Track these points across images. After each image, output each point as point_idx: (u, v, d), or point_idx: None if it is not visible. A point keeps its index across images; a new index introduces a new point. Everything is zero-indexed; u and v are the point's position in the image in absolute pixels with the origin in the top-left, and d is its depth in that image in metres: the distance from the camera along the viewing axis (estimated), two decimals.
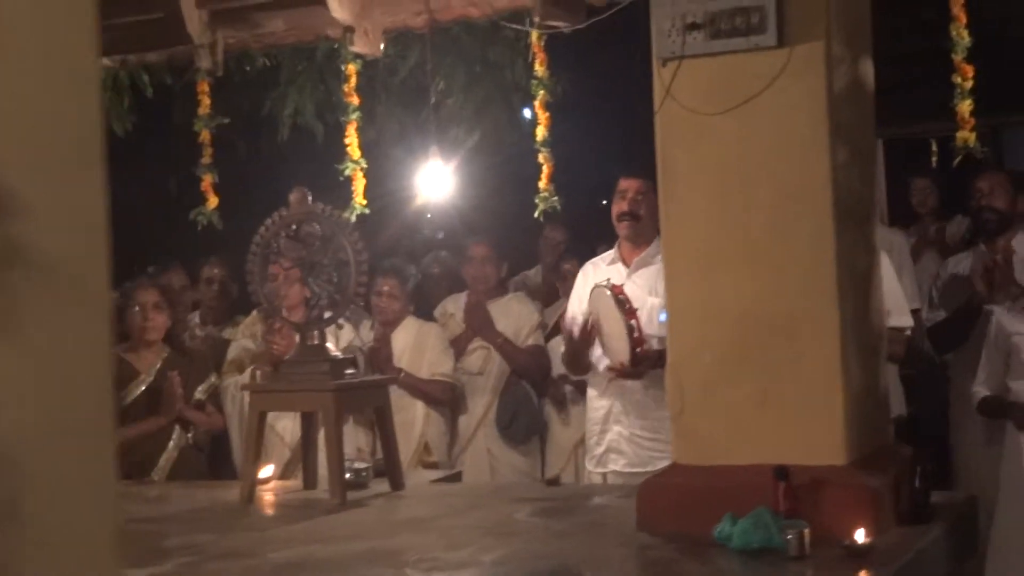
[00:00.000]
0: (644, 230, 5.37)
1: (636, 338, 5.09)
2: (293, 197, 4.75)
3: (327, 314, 4.70)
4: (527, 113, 10.44)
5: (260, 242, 4.80)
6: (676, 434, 3.98)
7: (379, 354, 6.39)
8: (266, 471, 5.13)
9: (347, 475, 4.92)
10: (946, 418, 6.35)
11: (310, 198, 4.75)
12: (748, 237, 3.83)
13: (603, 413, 5.45)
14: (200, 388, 6.14)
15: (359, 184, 5.68)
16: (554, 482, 4.87)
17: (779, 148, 3.79)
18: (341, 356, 4.83)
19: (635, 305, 5.14)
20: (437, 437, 6.54)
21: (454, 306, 6.83)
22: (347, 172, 5.61)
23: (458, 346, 6.65)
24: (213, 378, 6.23)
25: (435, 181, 6.12)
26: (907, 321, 5.39)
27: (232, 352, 6.47)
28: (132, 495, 5.10)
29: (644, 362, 5.02)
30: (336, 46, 5.84)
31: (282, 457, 6.06)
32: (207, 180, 6.03)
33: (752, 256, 3.82)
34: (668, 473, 3.97)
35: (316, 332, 4.73)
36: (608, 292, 5.12)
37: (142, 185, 8.77)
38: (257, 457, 4.75)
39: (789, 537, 3.48)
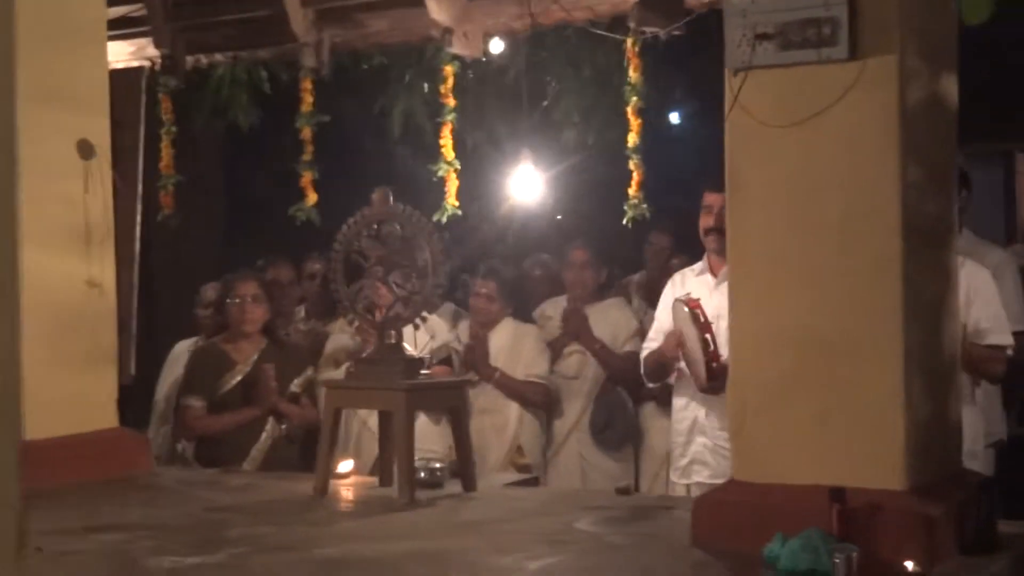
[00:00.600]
0: None
1: (711, 352, 5.05)
2: (375, 196, 4.80)
3: (403, 314, 4.73)
4: (673, 118, 10.39)
5: (342, 240, 4.85)
6: (735, 451, 3.93)
7: (475, 354, 6.43)
8: (345, 465, 5.19)
9: (422, 474, 4.97)
10: None
11: (391, 198, 4.79)
12: (813, 255, 3.76)
13: (688, 424, 5.41)
14: (296, 381, 6.22)
15: (452, 185, 5.71)
16: (624, 491, 4.83)
17: (848, 164, 3.71)
18: (417, 355, 4.86)
19: (720, 316, 5.14)
20: (531, 439, 6.56)
21: (553, 309, 6.83)
22: (440, 173, 5.64)
23: (555, 349, 6.66)
24: (310, 371, 6.32)
25: (528, 185, 6.12)
26: (1007, 340, 5.24)
27: (330, 347, 6.56)
28: (216, 483, 5.21)
29: (721, 376, 4.97)
30: (439, 48, 5.87)
31: (372, 452, 6.12)
32: (307, 177, 6.12)
33: (817, 275, 3.75)
34: (725, 489, 3.92)
35: (393, 332, 4.76)
36: (685, 307, 5.10)
37: (267, 179, 8.96)
38: (332, 451, 4.81)
39: (837, 561, 3.41)
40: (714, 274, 5.38)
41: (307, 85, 6.10)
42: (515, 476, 5.66)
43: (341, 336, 6.46)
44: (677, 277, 5.53)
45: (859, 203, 3.70)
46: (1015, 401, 6.25)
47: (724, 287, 5.24)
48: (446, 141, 5.70)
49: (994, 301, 5.26)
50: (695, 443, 5.39)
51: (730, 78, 3.85)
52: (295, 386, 6.22)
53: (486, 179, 6.84)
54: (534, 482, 5.56)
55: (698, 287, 5.31)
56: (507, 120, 7.28)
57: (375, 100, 7.45)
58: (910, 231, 3.66)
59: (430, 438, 6.31)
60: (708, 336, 5.01)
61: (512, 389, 6.46)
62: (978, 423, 5.33)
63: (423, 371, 4.80)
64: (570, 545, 3.90)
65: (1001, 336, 5.23)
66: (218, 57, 6.43)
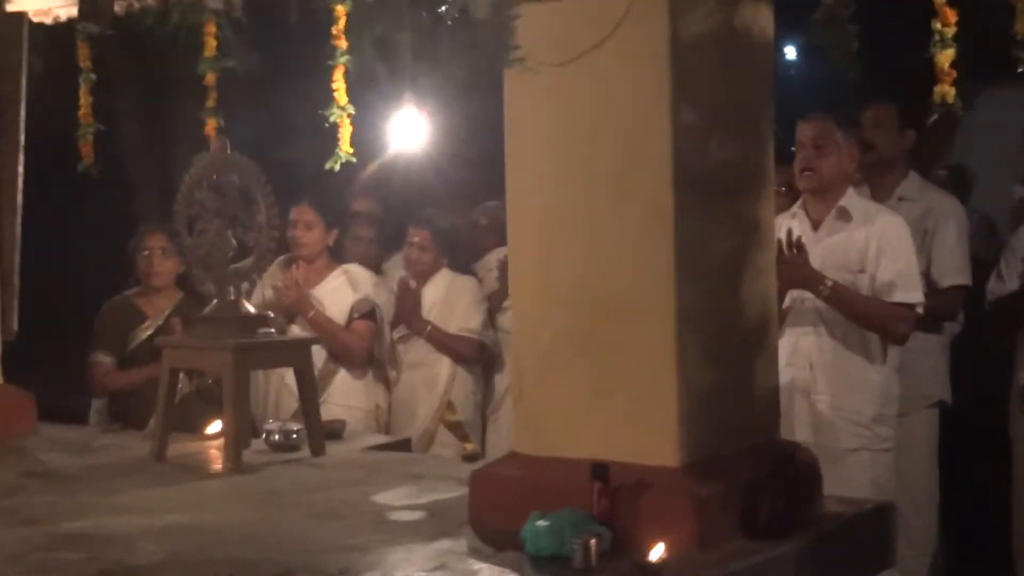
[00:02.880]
0: None
1: None
2: (213, 146, 4.56)
3: (241, 269, 4.49)
4: None
5: (183, 191, 4.62)
6: (516, 420, 3.61)
7: (404, 306, 6.16)
8: (214, 427, 4.98)
9: (276, 437, 4.75)
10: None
11: (228, 147, 4.54)
12: (588, 207, 3.41)
13: None
14: None
15: (345, 131, 5.40)
16: (471, 458, 4.55)
17: (620, 107, 3.36)
18: (255, 313, 4.62)
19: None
20: (463, 396, 6.28)
21: (496, 261, 6.53)
22: (333, 119, 5.34)
23: (494, 302, 6.36)
24: None
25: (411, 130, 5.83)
26: (915, 297, 4.81)
27: (252, 301, 6.35)
28: (78, 444, 5.04)
29: None
30: None
31: (289, 409, 5.92)
32: (211, 124, 5.87)
33: (591, 229, 3.41)
34: (502, 463, 3.62)
35: (232, 287, 4.53)
36: None
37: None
38: (167, 414, 4.60)
39: (574, 547, 3.10)
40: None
41: (210, 28, 5.83)
42: (383, 439, 5.39)
43: (264, 290, 6.24)
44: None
45: (632, 150, 3.34)
46: (968, 360, 5.77)
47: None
48: (339, 85, 5.39)
49: (904, 255, 4.84)
50: None
51: None
52: None
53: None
54: (405, 445, 5.27)
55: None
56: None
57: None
58: (685, 181, 3.30)
59: (352, 394, 6.09)
60: None
61: (443, 344, 6.18)
62: (890, 385, 4.92)
63: (264, 329, 4.55)
64: (336, 521, 3.63)
65: (908, 293, 4.81)
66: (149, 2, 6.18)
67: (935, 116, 4.18)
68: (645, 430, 3.33)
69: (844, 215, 4.93)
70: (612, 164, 3.36)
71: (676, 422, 3.28)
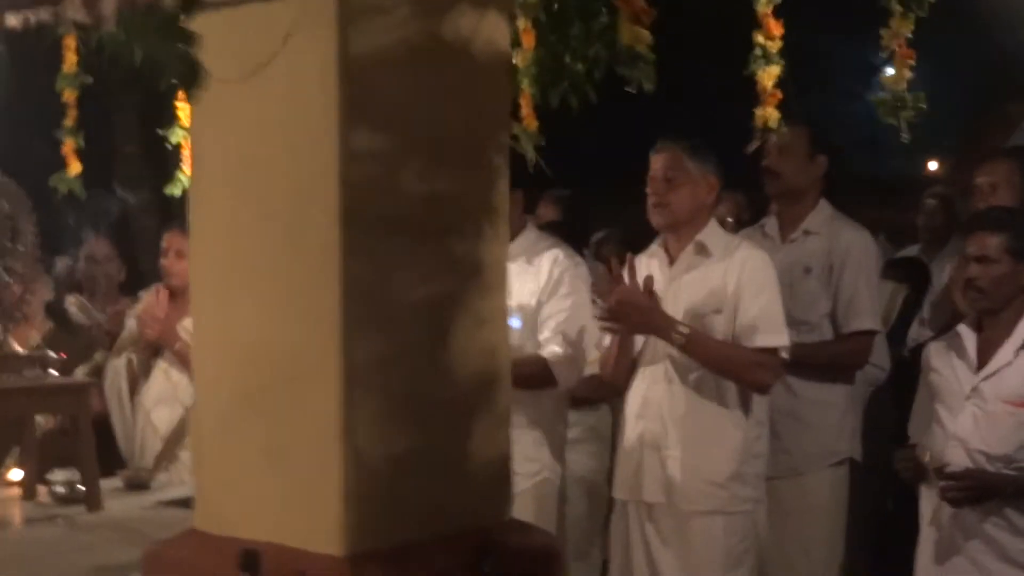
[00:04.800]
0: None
1: None
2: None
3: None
4: None
5: None
6: (195, 492, 3.14)
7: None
8: (15, 474, 4.59)
9: (59, 488, 4.35)
10: None
11: None
12: (263, 251, 2.93)
13: None
14: (82, 368, 5.68)
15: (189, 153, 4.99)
16: None
17: (292, 132, 2.87)
18: (26, 353, 4.22)
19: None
20: None
21: None
22: (175, 140, 4.93)
23: None
24: (99, 356, 5.75)
25: None
26: (778, 340, 4.25)
27: (125, 331, 5.96)
28: None
29: None
30: None
31: (154, 450, 5.53)
32: (69, 144, 5.49)
33: (266, 276, 2.93)
34: (176, 542, 3.13)
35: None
36: None
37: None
38: None
39: None
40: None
41: (70, 42, 5.45)
42: (183, 492, 4.92)
43: (131, 321, 5.84)
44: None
45: (303, 184, 2.85)
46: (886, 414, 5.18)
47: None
48: (183, 105, 4.98)
49: (766, 294, 4.28)
50: None
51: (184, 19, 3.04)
52: (80, 375, 5.65)
53: None
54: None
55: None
56: None
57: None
58: (361, 219, 2.80)
59: None
60: None
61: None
62: (752, 440, 4.36)
63: (34, 370, 4.14)
64: None
65: (770, 336, 4.25)
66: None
67: (756, 143, 3.62)
68: (310, 511, 2.84)
69: (702, 250, 4.39)
70: (285, 200, 2.88)
71: (341, 503, 2.79)
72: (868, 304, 4.82)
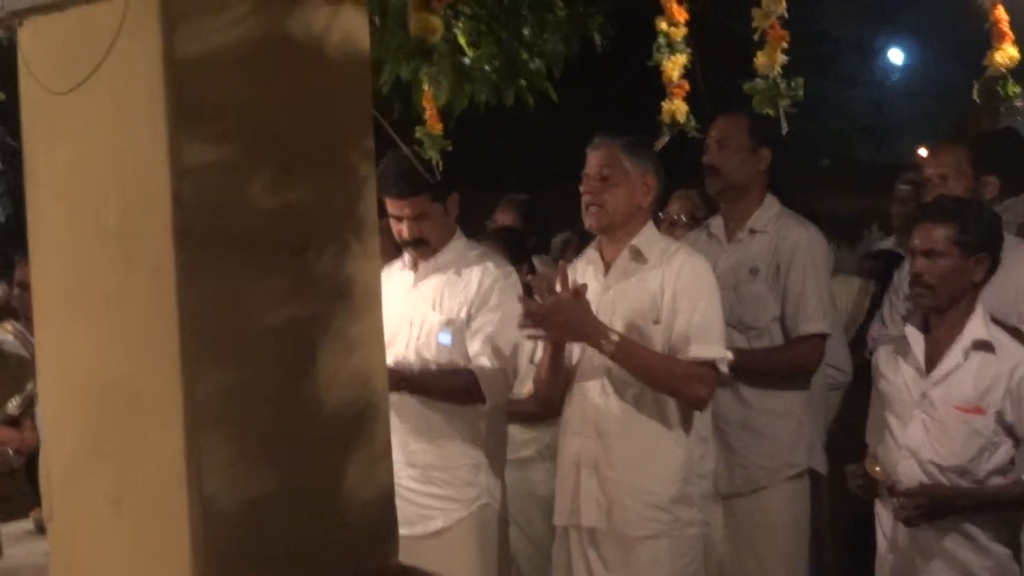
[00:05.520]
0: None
1: None
2: None
3: None
4: None
5: None
6: (49, 542, 2.88)
7: None
8: None
9: None
10: None
11: None
12: (98, 273, 2.68)
13: None
14: (14, 400, 5.42)
15: None
16: None
17: (121, 143, 2.61)
18: None
19: (417, 320, 4.29)
20: None
21: None
22: None
23: None
24: (30, 387, 5.49)
25: None
26: (714, 352, 3.95)
27: None
28: None
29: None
30: None
31: None
32: None
33: (102, 301, 2.67)
34: None
35: None
36: None
37: None
38: None
39: None
40: (415, 269, 4.35)
41: None
42: None
43: None
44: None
45: (135, 198, 2.60)
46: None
47: (423, 285, 4.23)
48: None
49: (703, 302, 3.98)
50: None
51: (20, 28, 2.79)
52: (12, 407, 5.41)
53: None
54: None
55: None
56: None
57: None
58: (199, 236, 2.53)
59: None
60: None
61: None
62: (695, 459, 4.06)
63: None
64: None
65: (706, 347, 3.95)
66: None
67: (664, 138, 3.33)
68: (161, 563, 2.57)
69: (637, 256, 4.09)
70: (118, 219, 2.61)
71: (189, 555, 2.51)
72: (817, 305, 4.51)
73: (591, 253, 4.23)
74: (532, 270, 5.28)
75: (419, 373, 4.26)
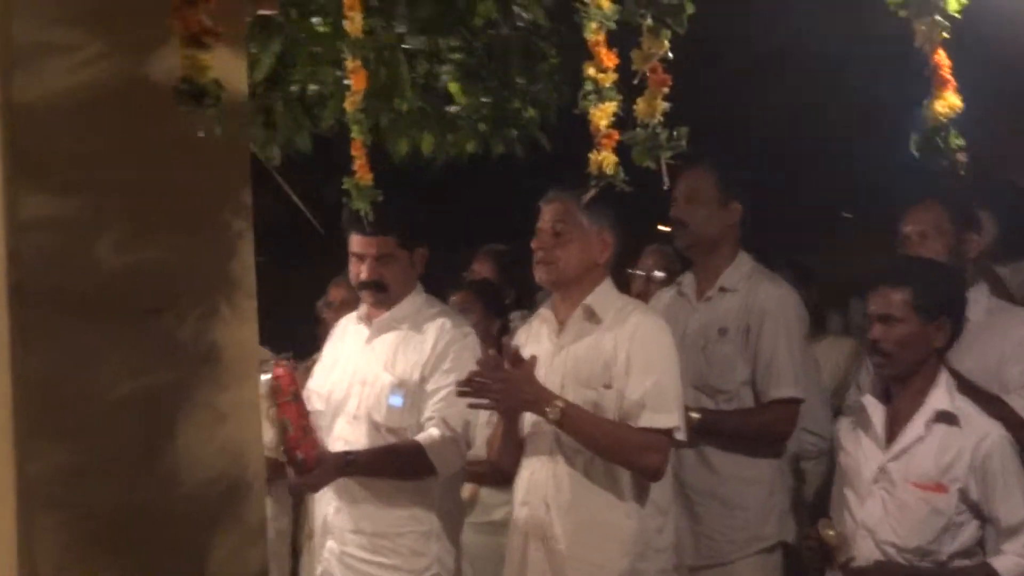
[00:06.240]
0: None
1: (291, 437, 3.73)
2: None
3: None
4: None
5: None
6: None
7: None
8: None
9: None
10: None
11: None
12: None
13: (320, 522, 4.12)
14: None
15: None
16: None
17: None
18: None
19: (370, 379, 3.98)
20: None
21: None
22: None
23: None
24: None
25: None
26: (668, 421, 3.67)
27: None
28: None
29: (327, 467, 3.70)
30: None
31: None
32: None
33: None
34: None
35: None
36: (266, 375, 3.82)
37: None
38: None
39: None
40: (368, 323, 4.09)
41: None
42: None
43: None
44: (343, 321, 4.21)
45: None
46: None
47: (378, 342, 4.01)
48: None
49: (658, 367, 3.70)
50: (325, 548, 4.09)
51: None
52: None
53: None
54: None
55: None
56: None
57: None
58: (34, 297, 2.33)
59: None
60: (288, 417, 3.73)
61: None
62: (649, 532, 3.78)
63: None
64: None
65: (659, 416, 3.66)
66: None
67: (591, 193, 3.07)
68: None
69: (591, 316, 3.83)
70: None
71: None
72: (788, 369, 4.21)
73: (545, 312, 3.99)
74: (506, 327, 5.03)
75: (366, 453, 4.01)
